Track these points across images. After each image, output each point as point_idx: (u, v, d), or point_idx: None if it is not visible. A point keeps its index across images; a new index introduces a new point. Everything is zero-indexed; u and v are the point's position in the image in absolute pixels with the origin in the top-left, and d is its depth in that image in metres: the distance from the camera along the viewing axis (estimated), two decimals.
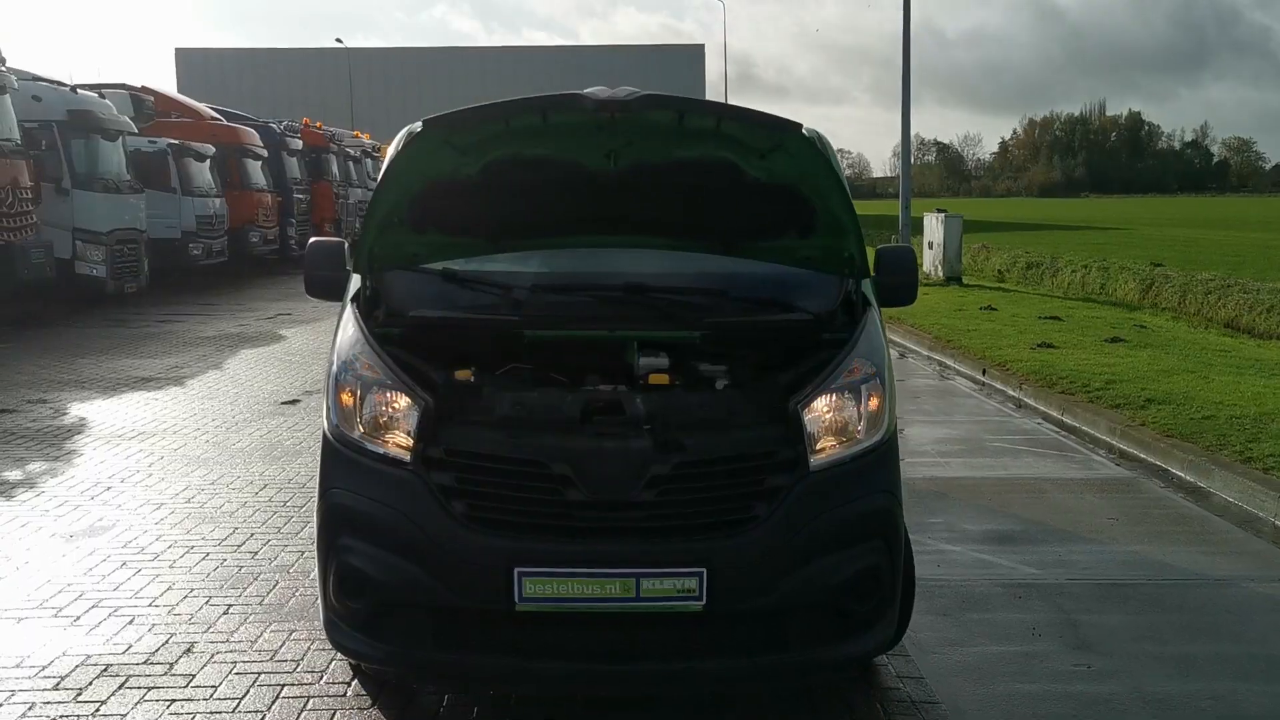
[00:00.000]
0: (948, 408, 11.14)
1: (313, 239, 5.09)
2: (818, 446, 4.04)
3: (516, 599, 3.79)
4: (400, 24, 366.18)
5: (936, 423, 10.26)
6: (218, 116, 27.85)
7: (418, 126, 4.27)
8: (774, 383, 4.28)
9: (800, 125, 4.13)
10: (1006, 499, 7.63)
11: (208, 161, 24.11)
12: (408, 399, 4.06)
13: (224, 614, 5.44)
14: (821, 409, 4.09)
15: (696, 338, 4.51)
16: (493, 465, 3.94)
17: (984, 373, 12.83)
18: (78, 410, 10.41)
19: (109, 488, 7.72)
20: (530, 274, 4.88)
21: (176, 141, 23.30)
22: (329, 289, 4.85)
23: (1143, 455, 8.89)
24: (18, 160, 17.10)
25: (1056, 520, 7.16)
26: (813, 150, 4.24)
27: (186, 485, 7.77)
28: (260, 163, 27.08)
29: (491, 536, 3.82)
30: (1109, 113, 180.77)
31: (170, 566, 6.11)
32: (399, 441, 4.04)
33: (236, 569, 6.06)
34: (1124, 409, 9.96)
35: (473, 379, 4.32)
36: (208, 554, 6.30)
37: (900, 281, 4.83)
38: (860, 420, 4.14)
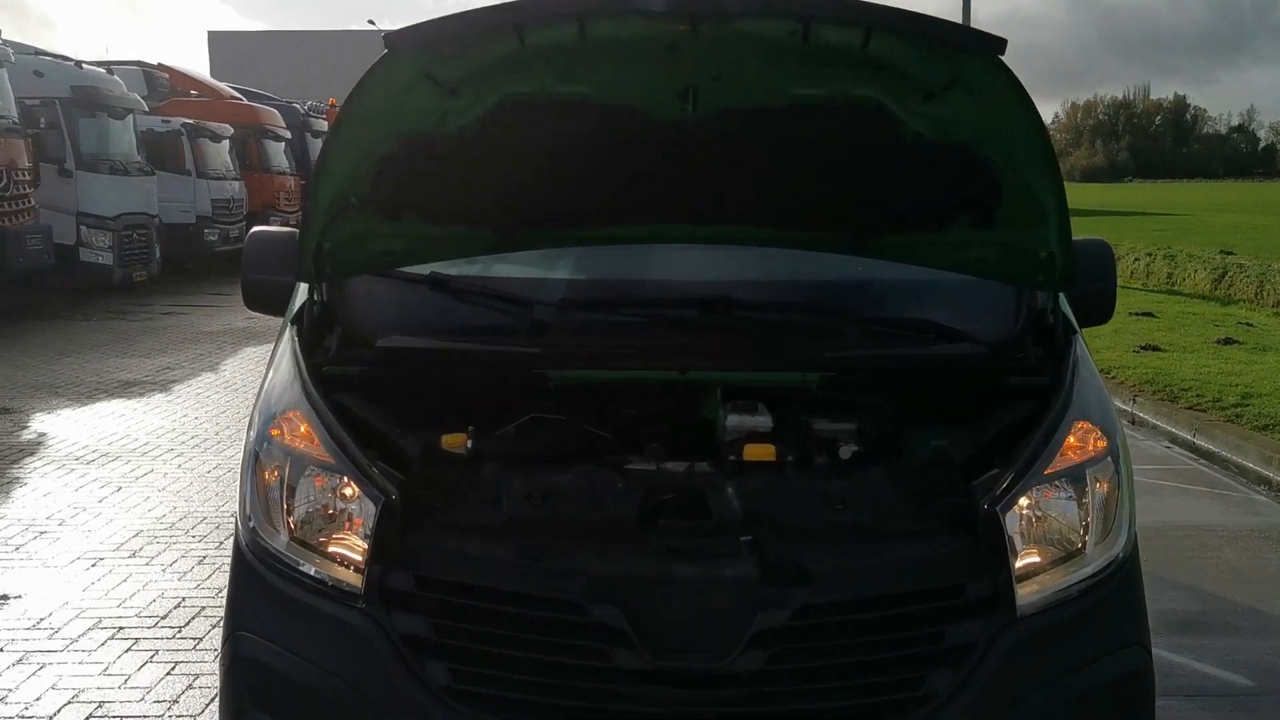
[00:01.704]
0: None
1: (255, 229, 3.54)
2: (1026, 572, 2.46)
3: None
4: (429, 11, 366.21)
5: None
6: (238, 96, 26.51)
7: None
8: (944, 460, 2.69)
9: (1003, 43, 2.50)
10: (1166, 559, 5.97)
11: (225, 142, 22.78)
12: (360, 488, 2.51)
13: None
14: (1030, 509, 2.50)
15: (814, 383, 2.92)
16: (494, 606, 2.40)
17: None
18: (40, 423, 9.01)
19: (42, 533, 6.27)
20: (558, 283, 3.30)
21: (191, 121, 21.95)
22: (276, 301, 3.31)
23: None
24: (14, 139, 15.82)
25: (1242, 593, 5.51)
26: (1008, 89, 2.60)
27: (137, 531, 6.29)
28: (283, 144, 25.75)
29: None
30: (1152, 96, 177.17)
31: (82, 661, 4.60)
32: (347, 559, 2.50)
33: (166, 669, 4.53)
34: (1275, 431, 8.27)
35: (466, 451, 2.75)
36: (131, 645, 4.78)
37: (1096, 290, 3.21)
38: (1088, 524, 2.55)
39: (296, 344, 2.94)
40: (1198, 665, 4.71)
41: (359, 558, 2.51)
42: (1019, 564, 2.47)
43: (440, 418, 2.92)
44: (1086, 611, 2.50)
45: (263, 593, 2.58)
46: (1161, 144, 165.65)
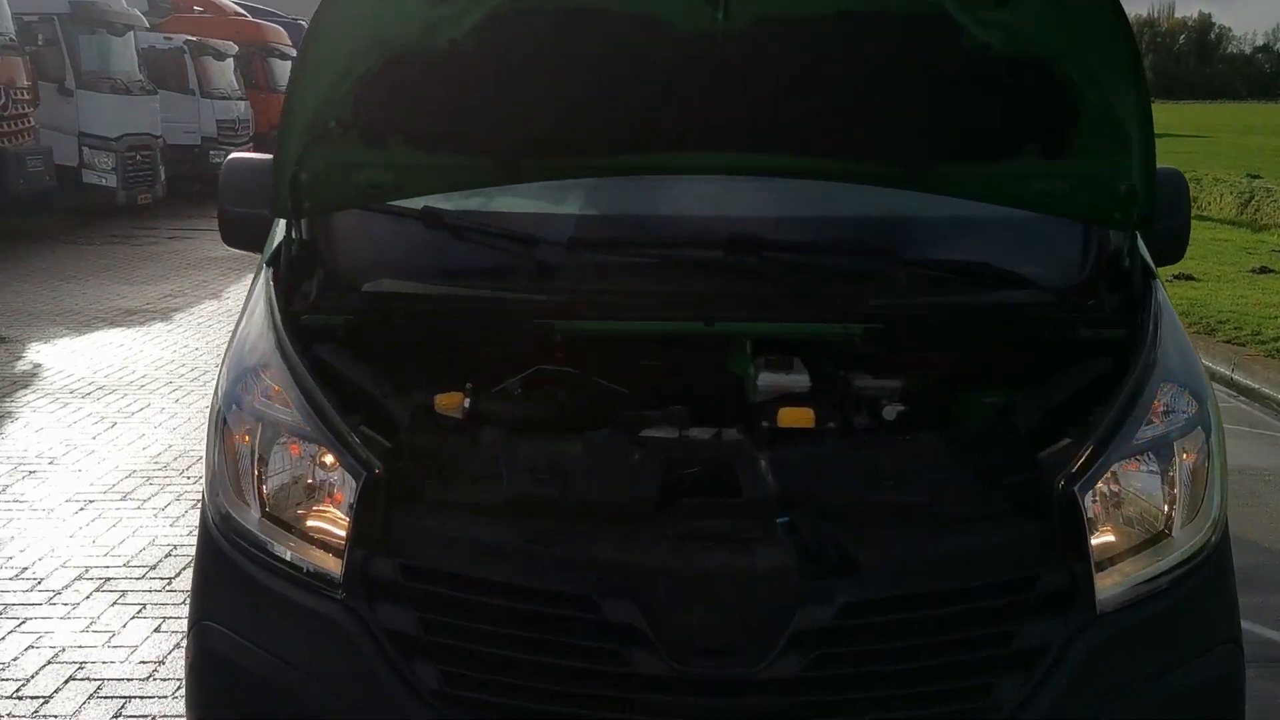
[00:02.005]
0: None
1: (232, 155, 3.18)
2: (1106, 561, 2.12)
3: None
4: None
5: None
6: (242, 12, 25.85)
7: None
8: (1009, 428, 2.35)
9: None
10: None
11: (230, 61, 22.18)
12: (339, 460, 2.18)
13: None
14: (1109, 487, 2.15)
15: (857, 336, 2.56)
16: (492, 601, 2.08)
17: None
18: (37, 353, 8.73)
19: (31, 472, 6.00)
20: (567, 219, 2.94)
21: (194, 38, 21.35)
22: (259, 237, 2.96)
23: None
24: (12, 57, 15.41)
25: None
26: None
27: (129, 471, 6.01)
28: (289, 63, 25.08)
29: None
30: (1177, 14, 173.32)
31: (65, 616, 4.34)
32: (327, 540, 2.18)
33: (153, 625, 4.26)
34: None
35: (463, 413, 2.42)
36: (118, 598, 4.51)
37: (1170, 228, 2.83)
38: (1175, 504, 2.21)
39: (272, 289, 2.60)
40: (1250, 627, 4.39)
41: (340, 540, 2.19)
42: (1097, 552, 2.13)
43: (434, 374, 2.58)
44: (1174, 606, 2.17)
45: (231, 578, 2.27)
46: (1185, 64, 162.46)
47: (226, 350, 2.59)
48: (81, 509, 5.44)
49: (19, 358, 8.60)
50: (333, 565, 2.17)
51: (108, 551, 4.94)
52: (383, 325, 2.65)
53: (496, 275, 2.79)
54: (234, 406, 2.38)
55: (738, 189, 2.94)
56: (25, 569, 4.74)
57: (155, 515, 5.38)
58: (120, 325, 9.80)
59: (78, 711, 3.68)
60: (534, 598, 2.08)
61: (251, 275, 2.89)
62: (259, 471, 2.31)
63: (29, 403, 7.32)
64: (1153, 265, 2.70)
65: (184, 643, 3.94)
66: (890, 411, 2.54)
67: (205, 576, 2.35)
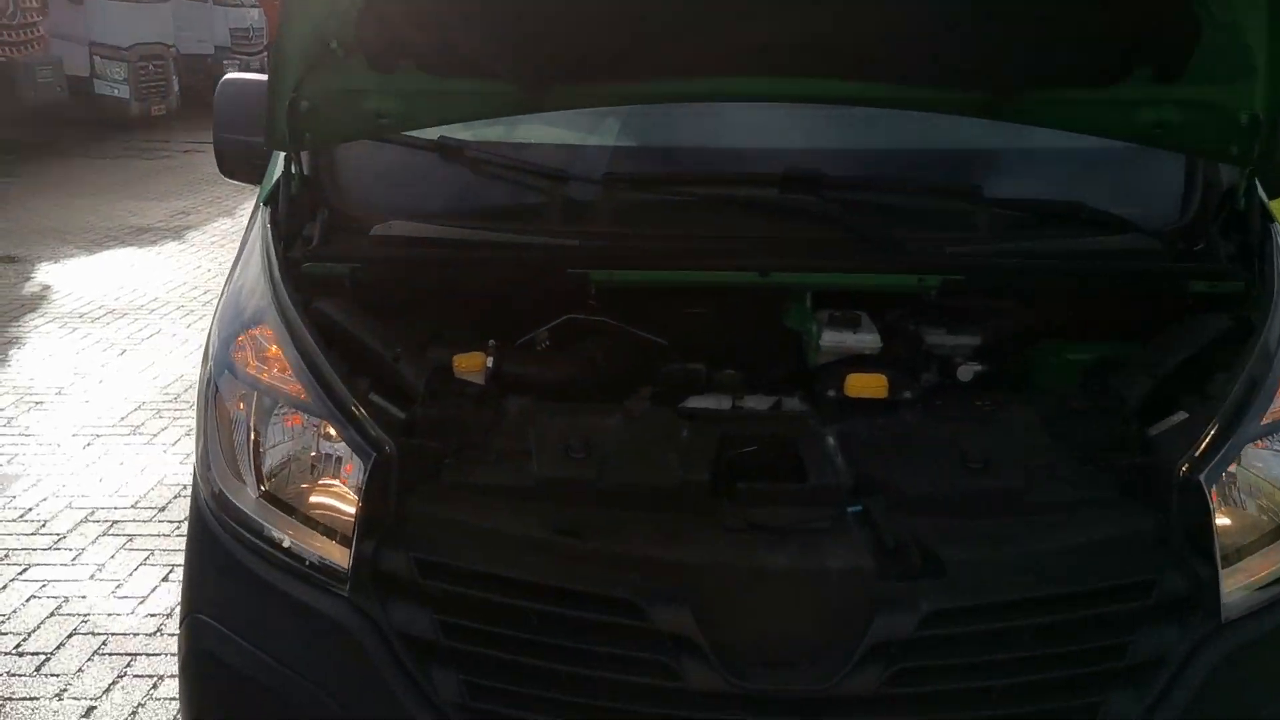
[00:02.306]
0: None
1: (226, 76, 2.86)
2: (1233, 559, 1.83)
3: None
4: None
5: None
6: None
7: None
8: (1114, 400, 2.04)
9: None
10: None
11: None
12: (343, 436, 1.90)
13: None
14: (1238, 475, 1.85)
15: (933, 288, 2.25)
16: (520, 603, 1.80)
17: None
18: (46, 274, 8.47)
19: (38, 403, 5.77)
20: (601, 152, 2.62)
21: None
22: (258, 167, 2.66)
23: None
24: None
25: None
26: None
27: (139, 403, 5.76)
28: None
29: None
30: None
31: (69, 563, 4.13)
32: (331, 525, 1.91)
33: (161, 574, 4.04)
34: None
35: (484, 377, 2.13)
36: (125, 543, 4.29)
37: None
38: None
39: (269, 233, 2.30)
40: None
41: (347, 526, 1.92)
42: (1234, 553, 1.84)
43: (452, 331, 2.29)
44: None
45: (224, 566, 2.01)
46: None
47: (218, 304, 2.30)
48: (89, 444, 5.22)
49: (28, 279, 8.35)
50: (338, 556, 1.90)
51: (115, 491, 4.72)
52: (394, 274, 2.35)
53: (522, 216, 2.48)
54: (225, 372, 2.10)
55: (796, 118, 2.59)
56: (29, 510, 4.54)
57: (165, 451, 5.15)
58: (131, 244, 9.53)
59: (80, 670, 3.48)
60: (569, 600, 1.80)
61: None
62: (255, 445, 2.03)
63: (37, 328, 7.08)
64: (1270, 208, 2.37)
65: None
66: (973, 379, 2.24)
67: (196, 563, 2.09)
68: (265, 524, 1.98)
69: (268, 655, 1.91)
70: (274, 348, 2.08)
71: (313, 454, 2.03)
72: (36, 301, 7.71)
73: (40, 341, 6.79)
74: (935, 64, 2.30)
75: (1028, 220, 2.48)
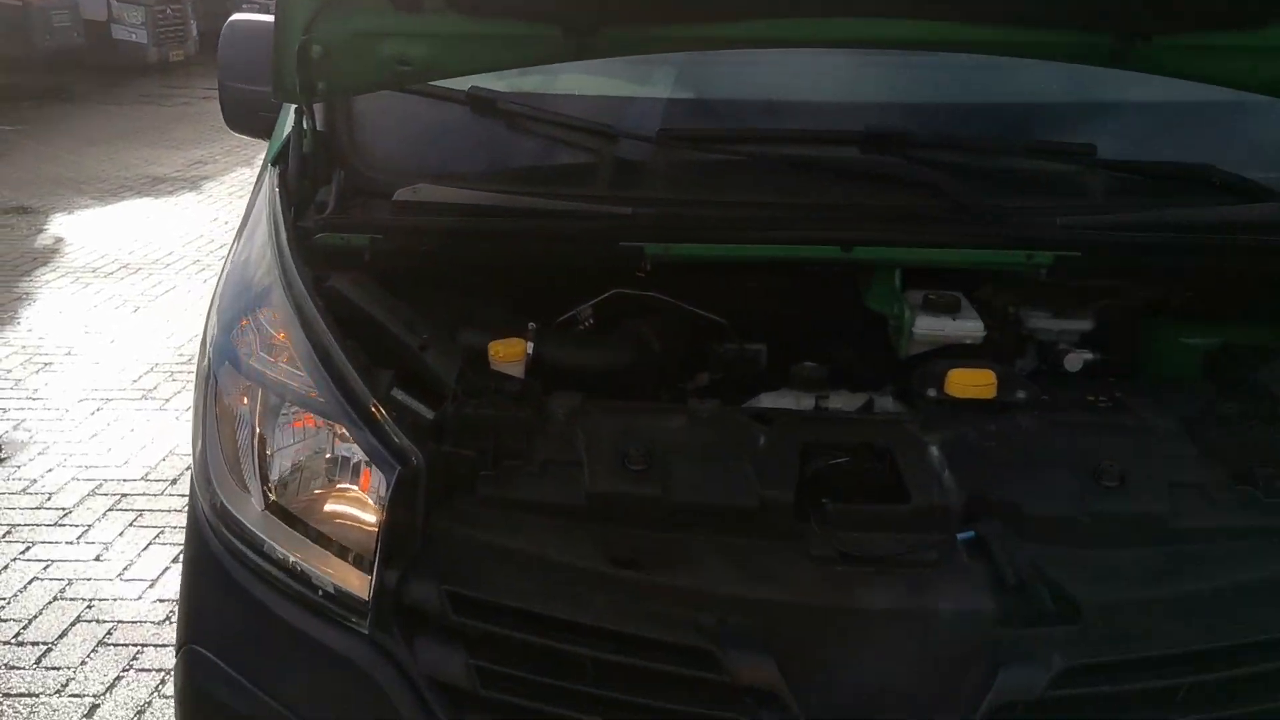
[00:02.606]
0: None
1: (233, 17, 2.55)
2: None
3: None
4: None
5: None
6: None
7: None
8: (1267, 400, 1.73)
9: None
10: None
11: None
12: (361, 442, 1.61)
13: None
14: None
15: (1043, 267, 1.93)
16: (571, 648, 1.51)
17: None
18: (59, 226, 8.22)
19: (46, 364, 5.53)
20: (655, 106, 2.30)
21: None
22: (266, 120, 2.37)
23: None
24: None
25: None
26: None
27: (152, 365, 5.51)
28: None
29: None
30: None
31: (75, 540, 3.89)
32: (346, 545, 1.63)
33: (170, 554, 3.79)
34: None
35: (524, 367, 1.84)
36: (134, 519, 4.05)
37: None
38: None
39: (278, 200, 2.00)
40: None
41: (368, 548, 1.63)
42: None
43: (487, 313, 1.99)
44: None
45: (224, 591, 1.73)
46: None
47: (219, 280, 2.01)
48: (98, 409, 4.97)
49: (40, 230, 8.11)
50: (356, 584, 1.62)
51: (125, 461, 4.48)
52: (420, 247, 2.05)
53: (565, 179, 2.16)
54: (226, 362, 1.81)
55: (880, 67, 2.26)
56: (34, 482, 4.30)
57: (177, 418, 4.89)
58: (147, 195, 9.26)
59: (83, 663, 3.24)
60: (629, 646, 1.51)
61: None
62: (261, 447, 1.75)
63: (48, 282, 6.84)
64: None
65: None
66: (1101, 380, 1.92)
67: (193, 585, 1.82)
68: (271, 542, 1.70)
69: (273, 699, 1.64)
70: (281, 334, 1.79)
71: (327, 457, 1.75)
72: (48, 255, 7.46)
73: (51, 297, 6.54)
74: (1051, 2, 1.96)
75: (1148, 186, 2.15)
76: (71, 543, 3.89)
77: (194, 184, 9.73)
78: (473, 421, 1.76)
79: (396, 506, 1.60)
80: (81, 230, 8.08)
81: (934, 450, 1.69)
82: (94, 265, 7.20)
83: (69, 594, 3.58)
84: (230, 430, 1.80)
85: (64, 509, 4.11)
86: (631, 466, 1.67)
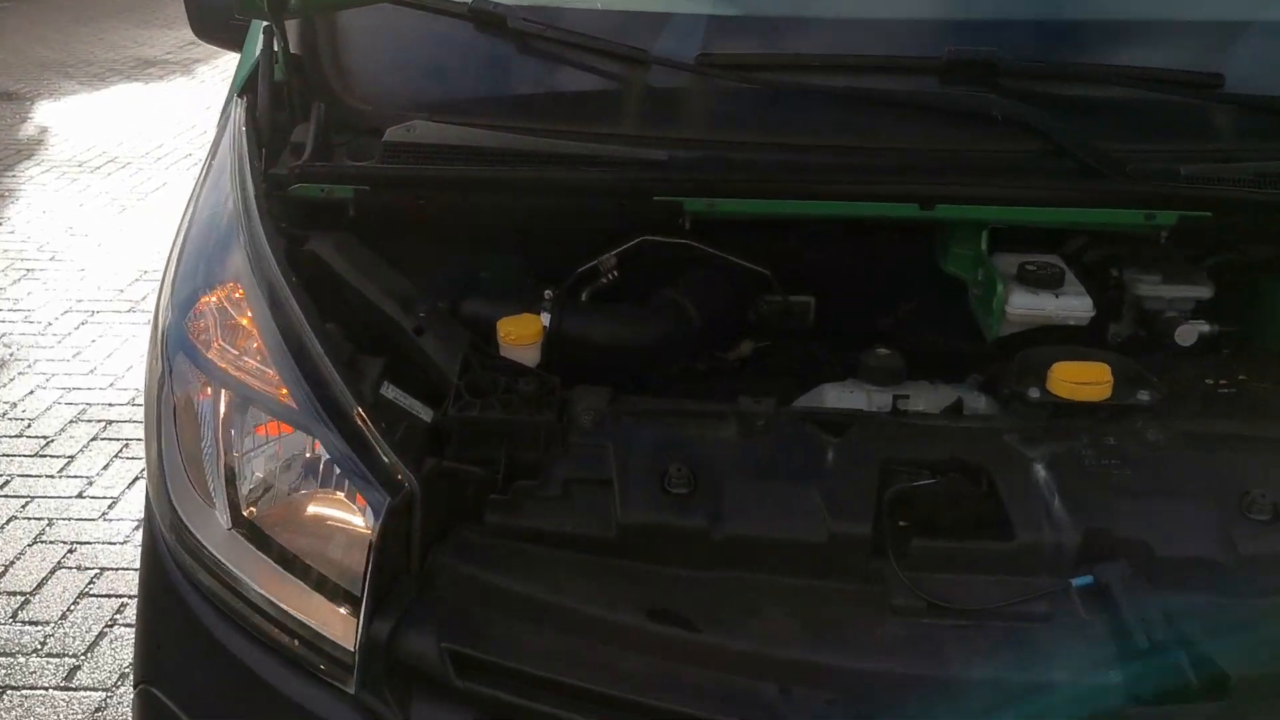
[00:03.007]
0: None
1: None
2: None
3: None
4: None
5: None
6: None
7: None
8: None
9: None
10: None
11: None
12: (341, 465, 1.30)
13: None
14: None
15: (1165, 229, 1.61)
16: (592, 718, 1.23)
17: None
18: (45, 114, 7.82)
19: (29, 271, 5.23)
20: (693, 24, 1.93)
21: None
22: (238, 29, 2.03)
23: None
24: None
25: None
26: None
27: (140, 274, 5.21)
28: None
29: None
30: None
31: (56, 474, 3.64)
32: (329, 573, 1.33)
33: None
34: None
35: (539, 345, 1.53)
36: (120, 449, 3.78)
37: None
38: None
39: (244, 140, 1.66)
40: None
41: (353, 577, 1.34)
42: None
43: (494, 279, 1.68)
44: None
45: (183, 629, 1.46)
46: None
47: (175, 241, 1.69)
48: (83, 323, 4.68)
49: (26, 119, 7.71)
50: (340, 630, 1.34)
51: (111, 383, 4.20)
52: (416, 198, 1.71)
53: (587, 115, 1.81)
54: (180, 355, 1.49)
55: None
56: (14, 406, 4.03)
57: None
58: (138, 79, 8.81)
59: (64, 616, 3.01)
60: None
61: None
62: (226, 455, 1.45)
63: (32, 178, 6.48)
64: None
65: None
66: (1230, 370, 1.61)
67: (149, 617, 1.55)
68: (237, 570, 1.42)
69: None
70: (246, 317, 1.48)
71: (306, 458, 1.45)
72: (33, 146, 7.09)
73: (35, 194, 6.20)
74: None
75: None
76: (52, 476, 3.64)
77: (186, 68, 9.27)
78: (479, 428, 1.46)
79: (386, 542, 1.31)
80: (68, 119, 7.68)
81: (1040, 470, 1.39)
82: (80, 159, 6.83)
83: (49, 536, 3.34)
84: (192, 431, 1.50)
85: (45, 438, 3.84)
86: (673, 489, 1.38)
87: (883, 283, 1.91)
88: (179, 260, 1.65)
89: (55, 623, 3.00)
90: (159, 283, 1.72)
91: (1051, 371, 1.51)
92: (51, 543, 3.31)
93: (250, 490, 1.46)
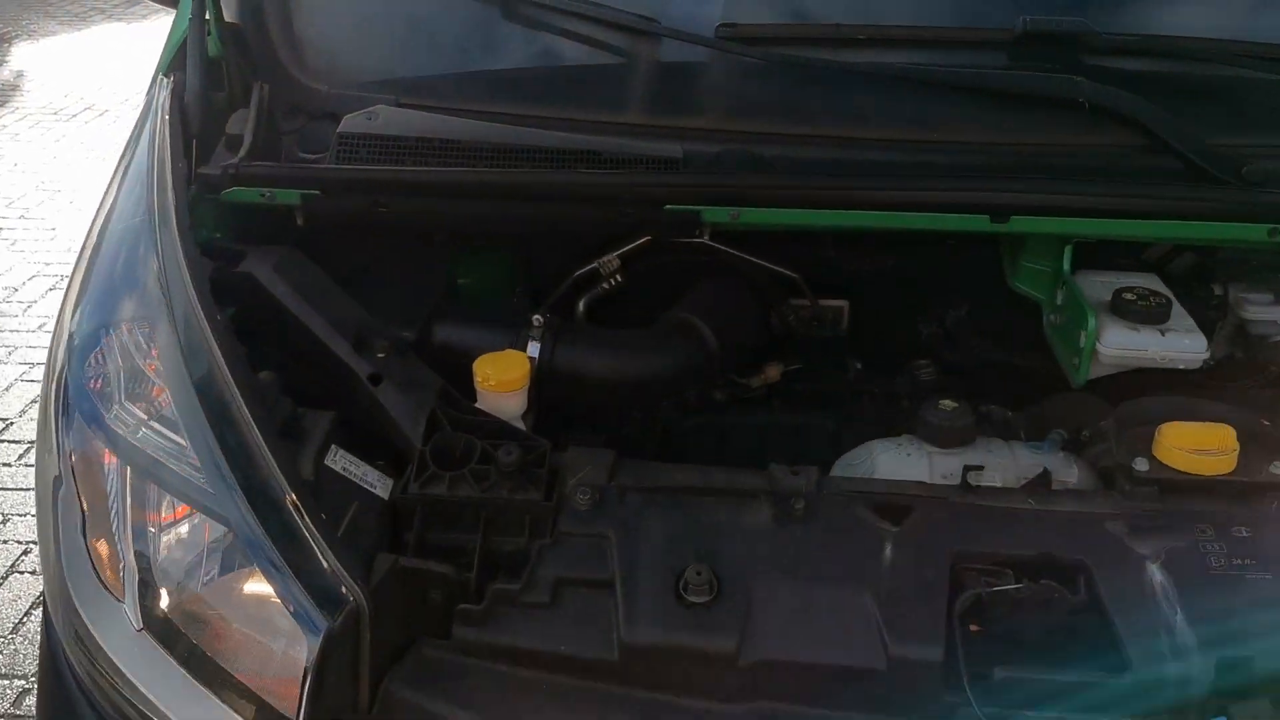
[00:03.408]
0: None
1: None
2: None
3: None
4: None
5: None
6: None
7: None
8: None
9: None
10: None
11: None
12: (268, 576, 1.00)
13: None
14: None
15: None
16: None
17: None
18: (22, 58, 7.51)
19: None
20: None
21: None
22: None
23: None
24: None
25: None
26: None
27: None
28: None
29: None
30: None
31: (13, 460, 3.38)
32: (261, 686, 1.04)
33: None
34: None
35: (525, 392, 1.23)
36: None
37: None
38: None
39: (167, 130, 1.35)
40: None
41: (288, 701, 1.06)
42: None
43: (469, 280, 1.38)
44: None
45: None
46: None
47: (78, 261, 1.39)
48: (51, 289, 4.42)
49: (3, 63, 7.38)
50: None
51: None
52: (376, 204, 1.40)
53: (587, 99, 1.50)
54: (77, 416, 1.20)
55: None
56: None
57: None
58: (119, 19, 8.45)
59: (17, 627, 2.75)
60: None
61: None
62: (131, 536, 1.16)
63: (5, 127, 6.16)
64: None
65: None
66: None
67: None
68: (146, 691, 1.13)
69: None
70: (157, 361, 1.18)
71: (231, 546, 1.16)
72: (8, 92, 6.77)
73: (5, 145, 5.88)
74: None
75: None
76: (9, 464, 3.37)
77: (171, 6, 8.89)
78: (447, 510, 1.17)
79: (326, 675, 1.03)
80: (46, 63, 7.35)
81: (1156, 573, 1.10)
82: (57, 106, 6.51)
83: (3, 535, 3.07)
84: (100, 505, 1.21)
85: (4, 420, 3.57)
86: (691, 597, 1.09)
87: (927, 285, 1.63)
88: (80, 288, 1.36)
89: (6, 638, 2.74)
90: (58, 311, 1.43)
91: (1160, 435, 1.21)
92: (4, 541, 3.05)
93: (161, 580, 1.17)
